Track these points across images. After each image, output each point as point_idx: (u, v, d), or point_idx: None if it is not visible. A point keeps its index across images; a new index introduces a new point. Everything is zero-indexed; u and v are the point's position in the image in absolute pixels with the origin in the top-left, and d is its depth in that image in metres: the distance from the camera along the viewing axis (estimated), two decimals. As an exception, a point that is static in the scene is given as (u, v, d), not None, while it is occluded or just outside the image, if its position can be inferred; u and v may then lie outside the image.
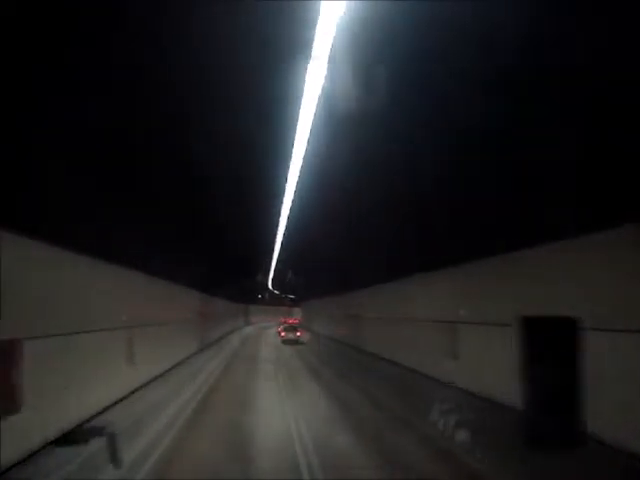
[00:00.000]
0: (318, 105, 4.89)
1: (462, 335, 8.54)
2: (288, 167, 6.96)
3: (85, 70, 3.68)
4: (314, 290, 28.53)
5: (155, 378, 10.06)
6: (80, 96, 3.97)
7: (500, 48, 3.51)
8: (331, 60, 4.05)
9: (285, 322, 40.81)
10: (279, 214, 10.33)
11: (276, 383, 15.44)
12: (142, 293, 9.63)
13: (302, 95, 4.68)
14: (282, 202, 9.15)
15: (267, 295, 45.29)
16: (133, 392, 8.31)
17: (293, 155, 6.44)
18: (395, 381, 12.00)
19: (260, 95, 4.65)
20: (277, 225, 11.67)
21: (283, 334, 34.19)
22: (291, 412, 10.74)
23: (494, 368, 7.28)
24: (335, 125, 5.35)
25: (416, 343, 11.06)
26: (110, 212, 6.43)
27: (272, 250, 16.58)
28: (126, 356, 8.18)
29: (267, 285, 34.86)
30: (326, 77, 4.32)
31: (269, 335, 41.42)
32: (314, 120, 5.25)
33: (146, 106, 4.46)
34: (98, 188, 5.78)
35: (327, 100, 4.75)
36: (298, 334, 33.89)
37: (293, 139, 5.83)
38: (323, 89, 4.56)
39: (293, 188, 8.11)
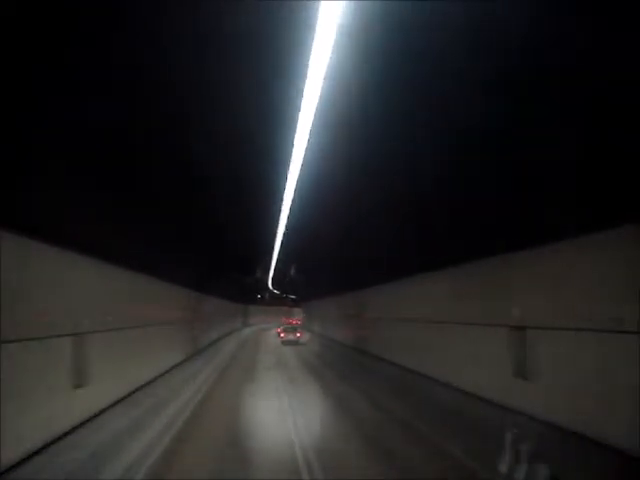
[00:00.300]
0: (318, 105, 4.89)
1: (537, 344, 6.47)
2: (288, 167, 6.96)
3: (85, 70, 3.68)
4: (316, 290, 28.52)
5: (120, 400, 8.03)
6: (80, 96, 3.98)
7: (500, 48, 3.51)
8: (331, 60, 4.05)
9: (287, 323, 40.81)
10: (279, 213, 10.33)
11: (278, 403, 12.44)
12: (109, 289, 7.92)
13: (302, 95, 4.68)
14: (282, 201, 9.15)
15: (267, 295, 45.27)
16: (78, 427, 6.20)
17: (293, 155, 6.44)
18: (439, 406, 9.39)
19: (260, 95, 4.65)
20: (277, 225, 11.67)
21: (283, 335, 34.20)
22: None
23: (602, 393, 5.24)
24: (335, 125, 5.35)
25: (456, 353, 9.11)
26: (103, 202, 6.43)
27: (272, 250, 16.58)
28: (72, 375, 6.19)
29: (267, 285, 34.88)
30: (326, 77, 4.32)
31: (269, 336, 41.24)
32: (314, 120, 5.25)
33: (146, 106, 4.47)
34: (98, 188, 5.79)
35: (327, 100, 4.75)
36: (298, 335, 33.92)
37: (293, 139, 5.83)
38: (323, 89, 4.55)
39: (293, 188, 8.11)
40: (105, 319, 7.58)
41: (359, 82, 4.32)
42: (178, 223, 9.08)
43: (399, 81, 4.22)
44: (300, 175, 7.32)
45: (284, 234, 12.77)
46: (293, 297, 46.52)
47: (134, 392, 9.08)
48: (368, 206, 8.33)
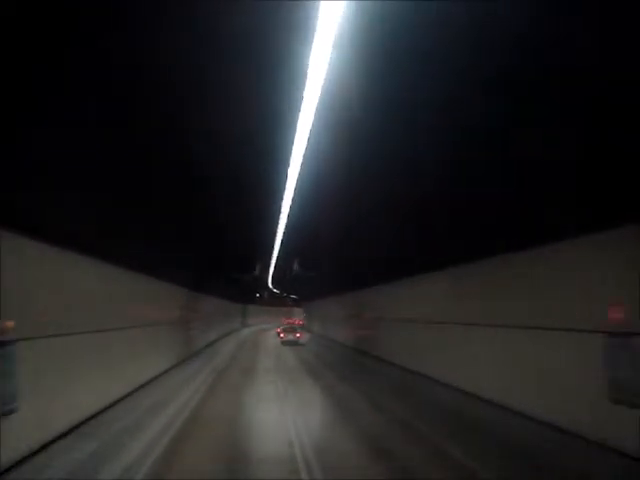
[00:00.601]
0: (318, 104, 4.89)
1: None
2: (288, 166, 6.96)
3: (85, 70, 3.68)
4: (316, 290, 28.50)
5: (74, 429, 6.55)
6: (80, 96, 3.98)
7: (500, 48, 3.51)
8: (331, 60, 4.04)
9: (287, 323, 40.84)
10: (279, 213, 10.33)
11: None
12: (69, 283, 6.97)
13: (302, 94, 4.68)
14: (282, 201, 9.15)
15: (267, 294, 45.15)
16: None
17: (293, 154, 6.44)
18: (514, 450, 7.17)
19: (260, 95, 4.65)
20: (277, 224, 11.67)
21: (282, 335, 34.25)
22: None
23: None
24: (335, 124, 5.35)
25: (505, 366, 7.87)
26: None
27: (272, 249, 16.58)
28: None
29: (267, 285, 34.86)
30: (326, 77, 4.32)
31: (269, 337, 41.04)
32: (314, 119, 5.24)
33: (146, 106, 4.47)
34: (98, 188, 5.79)
35: (327, 99, 4.75)
36: (297, 335, 33.92)
37: (293, 138, 5.83)
38: (323, 89, 4.55)
39: (293, 187, 8.11)
40: (58, 320, 6.34)
41: (359, 82, 4.31)
42: (178, 223, 9.08)
43: (399, 81, 4.22)
44: (300, 175, 7.31)
45: (284, 234, 12.77)
46: (294, 297, 46.36)
47: (91, 418, 7.38)
48: (368, 206, 8.32)
